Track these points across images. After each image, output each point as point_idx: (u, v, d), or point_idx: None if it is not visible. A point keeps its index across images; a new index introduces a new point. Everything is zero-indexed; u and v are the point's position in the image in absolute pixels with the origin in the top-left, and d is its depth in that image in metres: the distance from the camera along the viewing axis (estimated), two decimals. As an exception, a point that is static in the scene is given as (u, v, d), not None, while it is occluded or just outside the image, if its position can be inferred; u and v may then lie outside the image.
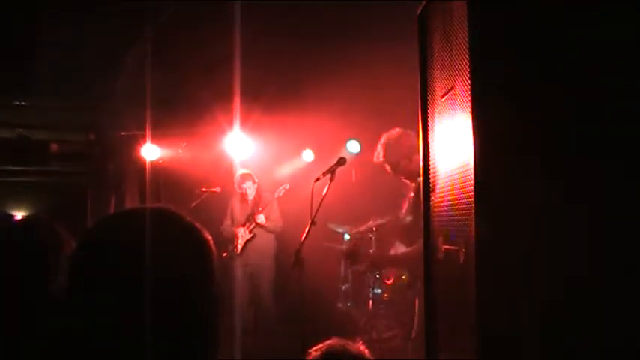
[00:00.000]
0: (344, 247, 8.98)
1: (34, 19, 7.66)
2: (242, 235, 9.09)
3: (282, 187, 9.21)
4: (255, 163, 9.91)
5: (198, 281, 1.58)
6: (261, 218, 9.01)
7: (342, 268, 8.93)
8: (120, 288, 1.48)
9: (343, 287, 8.84)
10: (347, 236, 9.05)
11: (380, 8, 6.99)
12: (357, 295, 8.67)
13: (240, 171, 9.21)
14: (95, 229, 1.63)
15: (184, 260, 1.57)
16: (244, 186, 9.08)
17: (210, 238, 1.65)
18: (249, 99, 8.56)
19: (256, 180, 9.18)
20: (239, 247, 9.12)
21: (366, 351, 3.04)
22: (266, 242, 9.13)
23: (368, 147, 9.80)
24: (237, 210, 9.26)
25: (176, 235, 1.61)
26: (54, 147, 11.08)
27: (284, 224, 9.16)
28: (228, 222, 9.32)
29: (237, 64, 7.03)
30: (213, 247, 1.65)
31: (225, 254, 9.06)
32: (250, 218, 9.07)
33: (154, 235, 1.56)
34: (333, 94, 8.60)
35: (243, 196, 9.17)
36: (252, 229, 9.05)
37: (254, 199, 9.16)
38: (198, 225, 1.65)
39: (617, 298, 2.45)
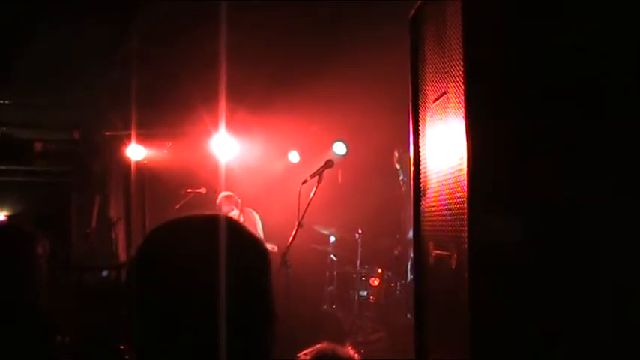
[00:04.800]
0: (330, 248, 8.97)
1: (20, 17, 7.60)
2: None
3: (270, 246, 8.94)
4: (240, 164, 9.88)
5: (261, 292, 1.58)
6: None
7: (328, 270, 8.91)
8: (182, 293, 1.48)
9: (329, 289, 8.81)
10: (333, 238, 9.03)
11: (369, 10, 6.98)
12: (343, 297, 8.65)
13: (221, 194, 8.99)
14: (160, 230, 1.61)
15: (251, 271, 1.57)
16: (226, 208, 8.81)
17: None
18: (235, 100, 8.53)
19: (239, 200, 8.96)
20: None
21: (356, 355, 3.02)
22: None
23: (354, 149, 9.82)
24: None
25: (244, 246, 1.60)
26: (38, 146, 11.00)
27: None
28: None
29: (223, 64, 6.99)
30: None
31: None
32: None
33: (220, 242, 1.55)
34: (319, 96, 8.60)
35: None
36: None
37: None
38: (259, 236, 1.65)
39: (616, 300, 2.45)
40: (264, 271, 1.59)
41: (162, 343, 1.48)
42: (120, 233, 10.46)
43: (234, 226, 1.62)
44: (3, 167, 10.85)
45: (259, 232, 8.95)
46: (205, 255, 1.51)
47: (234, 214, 8.85)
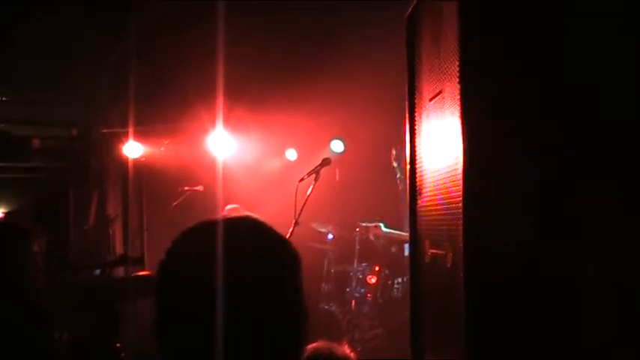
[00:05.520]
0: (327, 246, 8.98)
1: (17, 14, 7.60)
2: None
3: None
4: (238, 161, 9.88)
5: (293, 291, 1.59)
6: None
7: (325, 267, 8.91)
8: (214, 294, 1.47)
9: (326, 287, 8.82)
10: (330, 236, 9.03)
11: (366, 8, 6.99)
12: (340, 294, 8.66)
13: (228, 207, 8.97)
14: (190, 233, 1.62)
15: (283, 271, 1.59)
16: None
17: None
18: (233, 97, 8.52)
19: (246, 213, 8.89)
20: None
21: (352, 354, 3.02)
22: None
23: (352, 146, 9.82)
24: None
25: (275, 247, 1.61)
26: (36, 143, 10.98)
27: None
28: None
29: (220, 61, 6.99)
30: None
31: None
32: None
33: (251, 244, 1.57)
34: (317, 93, 8.59)
35: None
36: None
37: None
38: (287, 238, 1.66)
39: (612, 300, 2.45)
40: (295, 271, 1.60)
41: (195, 345, 1.49)
42: (117, 230, 10.45)
43: (264, 227, 1.63)
44: (1, 164, 10.84)
45: None
46: (237, 257, 1.52)
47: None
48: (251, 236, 1.59)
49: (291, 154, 10.48)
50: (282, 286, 1.56)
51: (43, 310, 3.25)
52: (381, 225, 8.44)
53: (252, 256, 1.54)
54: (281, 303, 1.55)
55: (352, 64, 8.08)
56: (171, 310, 1.53)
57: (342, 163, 9.68)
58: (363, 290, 8.41)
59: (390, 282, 8.40)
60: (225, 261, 1.49)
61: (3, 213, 11.07)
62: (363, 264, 8.53)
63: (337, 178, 9.92)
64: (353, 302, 8.36)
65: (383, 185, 9.06)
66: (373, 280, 8.39)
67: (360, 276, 8.46)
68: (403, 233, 8.34)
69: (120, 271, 7.12)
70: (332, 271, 8.88)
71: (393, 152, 8.59)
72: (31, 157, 10.95)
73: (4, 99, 10.26)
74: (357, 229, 8.68)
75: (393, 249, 8.74)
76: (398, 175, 8.55)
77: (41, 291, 3.34)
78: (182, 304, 1.51)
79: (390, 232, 8.45)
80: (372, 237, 8.58)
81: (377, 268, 8.45)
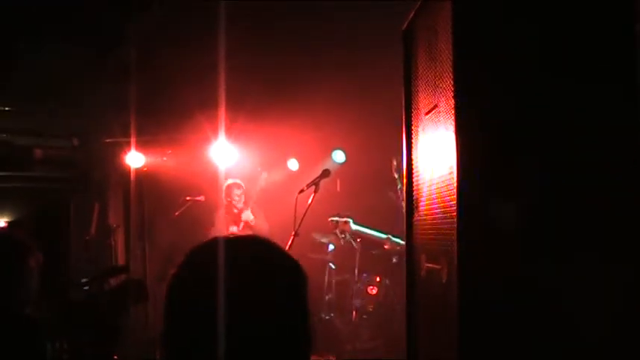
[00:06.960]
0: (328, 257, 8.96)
1: (19, 25, 7.62)
2: None
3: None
4: (239, 171, 9.87)
5: (304, 312, 1.59)
6: (247, 214, 8.82)
7: (326, 278, 8.89)
8: (226, 313, 1.48)
9: (327, 297, 8.79)
10: (331, 246, 9.01)
11: (366, 20, 7.01)
12: (341, 305, 8.64)
13: (229, 180, 9.07)
14: (202, 249, 1.62)
15: (294, 291, 1.59)
16: (236, 191, 8.91)
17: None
18: (235, 107, 8.53)
19: (244, 186, 9.05)
20: None
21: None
22: None
23: (353, 157, 9.81)
24: (224, 220, 9.05)
25: (285, 267, 1.62)
26: (38, 152, 10.98)
27: (270, 231, 8.93)
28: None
29: (222, 72, 7.01)
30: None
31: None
32: (236, 220, 8.85)
33: (261, 263, 1.58)
34: (318, 103, 8.60)
35: (231, 206, 8.98)
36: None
37: (241, 208, 8.99)
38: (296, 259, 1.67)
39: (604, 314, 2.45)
40: (303, 291, 1.62)
41: (201, 357, 1.49)
42: (119, 240, 10.45)
43: (273, 247, 1.64)
44: (2, 174, 10.83)
45: (261, 213, 8.98)
46: (249, 276, 1.53)
47: (241, 197, 8.85)
48: (261, 255, 1.60)
49: (293, 165, 10.47)
50: (289, 305, 1.57)
51: (37, 324, 3.24)
52: (350, 221, 8.44)
53: (261, 275, 1.55)
54: (287, 321, 1.55)
55: (354, 74, 8.09)
56: (180, 321, 1.54)
57: (343, 174, 9.67)
58: (363, 301, 8.40)
59: (390, 293, 8.38)
60: (235, 279, 1.51)
61: (5, 223, 11.06)
62: (364, 275, 8.52)
63: (338, 188, 9.91)
64: (354, 313, 8.35)
65: (384, 196, 9.05)
66: (374, 291, 8.38)
67: (361, 287, 8.45)
68: (372, 232, 8.36)
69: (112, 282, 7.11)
70: (333, 281, 8.85)
71: (394, 163, 8.57)
72: (32, 167, 10.94)
73: (6, 109, 10.28)
74: (358, 240, 8.67)
75: (395, 259, 8.71)
76: (399, 186, 8.53)
77: (36, 306, 3.33)
78: (191, 317, 1.52)
79: (359, 230, 8.45)
80: (338, 233, 8.59)
81: (378, 279, 8.44)
